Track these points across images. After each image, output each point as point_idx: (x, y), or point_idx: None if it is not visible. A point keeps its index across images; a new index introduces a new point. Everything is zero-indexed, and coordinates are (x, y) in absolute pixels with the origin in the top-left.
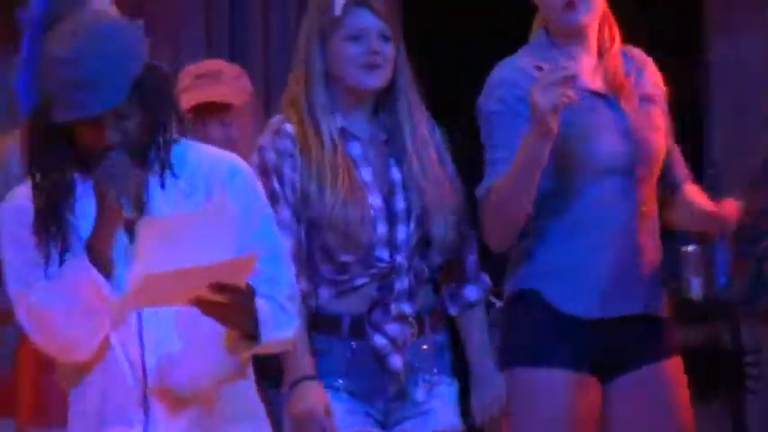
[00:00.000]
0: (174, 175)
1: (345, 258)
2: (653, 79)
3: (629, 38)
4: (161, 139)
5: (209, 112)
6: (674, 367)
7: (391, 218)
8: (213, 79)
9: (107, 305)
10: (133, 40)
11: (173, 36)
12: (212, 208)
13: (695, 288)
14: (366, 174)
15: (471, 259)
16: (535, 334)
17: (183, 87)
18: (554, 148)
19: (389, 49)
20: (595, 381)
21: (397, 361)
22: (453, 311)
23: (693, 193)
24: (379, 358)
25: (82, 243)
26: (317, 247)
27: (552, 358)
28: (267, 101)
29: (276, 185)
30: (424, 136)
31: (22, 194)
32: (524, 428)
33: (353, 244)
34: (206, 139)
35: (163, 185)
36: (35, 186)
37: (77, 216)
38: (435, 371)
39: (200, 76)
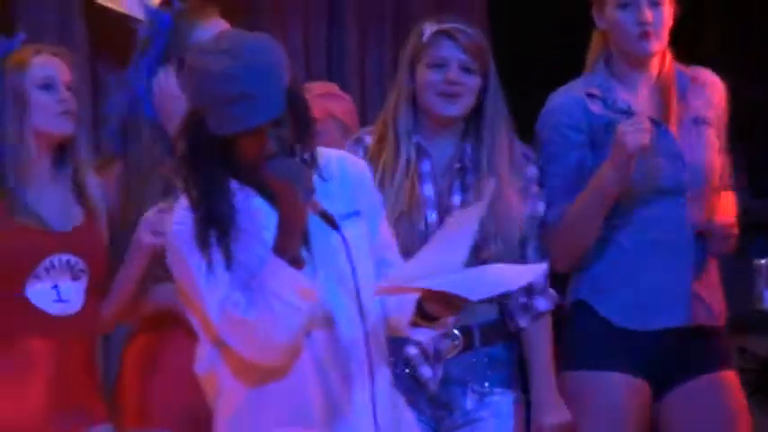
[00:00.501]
0: (322, 178)
1: None
2: (714, 100)
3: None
4: (310, 144)
5: None
6: (729, 377)
7: None
8: None
9: (311, 300)
10: (280, 54)
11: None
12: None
13: None
14: (428, 190)
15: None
16: (592, 342)
17: None
18: None
19: (471, 81)
20: (648, 388)
21: (426, 372)
22: (523, 323)
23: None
24: (411, 368)
25: (263, 247)
26: None
27: (610, 363)
28: (362, 109)
29: None
30: (504, 172)
31: (182, 214)
32: (580, 430)
33: (403, 250)
34: None
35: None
36: (194, 201)
37: (245, 224)
38: (486, 383)
39: None
